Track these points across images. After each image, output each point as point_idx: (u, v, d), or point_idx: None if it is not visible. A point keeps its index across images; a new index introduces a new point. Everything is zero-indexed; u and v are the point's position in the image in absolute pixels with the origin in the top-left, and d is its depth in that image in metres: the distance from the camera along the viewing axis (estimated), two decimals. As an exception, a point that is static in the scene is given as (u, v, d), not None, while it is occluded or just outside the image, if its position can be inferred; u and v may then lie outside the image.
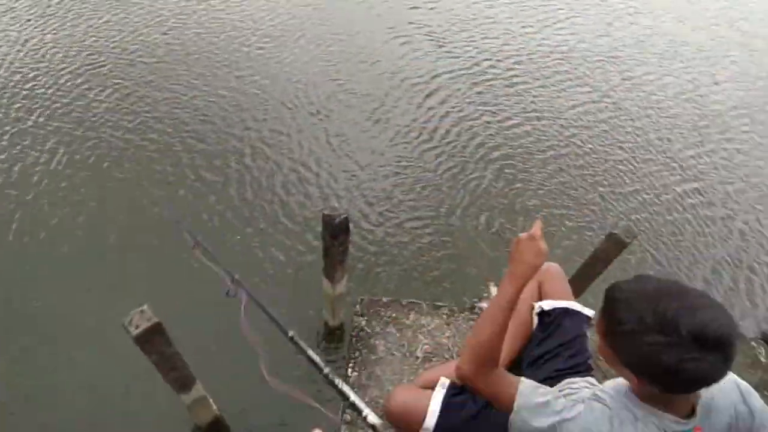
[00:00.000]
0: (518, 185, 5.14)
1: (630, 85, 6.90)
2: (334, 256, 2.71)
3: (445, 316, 2.90)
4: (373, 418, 0.96)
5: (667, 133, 6.14)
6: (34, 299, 3.73)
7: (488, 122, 5.91)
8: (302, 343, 1.53)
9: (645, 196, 5.24)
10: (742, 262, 4.63)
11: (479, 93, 6.36)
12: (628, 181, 5.38)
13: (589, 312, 1.75)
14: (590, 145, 5.79)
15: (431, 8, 8.12)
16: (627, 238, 2.51)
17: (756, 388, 2.52)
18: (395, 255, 4.24)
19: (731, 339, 0.86)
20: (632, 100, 6.64)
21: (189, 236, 2.37)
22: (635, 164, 5.63)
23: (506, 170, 5.30)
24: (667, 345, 0.86)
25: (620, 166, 5.56)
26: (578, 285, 2.69)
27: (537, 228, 1.25)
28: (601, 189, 5.24)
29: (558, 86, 6.67)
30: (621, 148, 5.82)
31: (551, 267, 1.91)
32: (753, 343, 2.72)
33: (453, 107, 6.07)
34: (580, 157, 5.61)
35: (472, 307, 3.01)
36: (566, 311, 1.72)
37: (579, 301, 1.83)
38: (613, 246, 2.53)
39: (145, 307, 1.99)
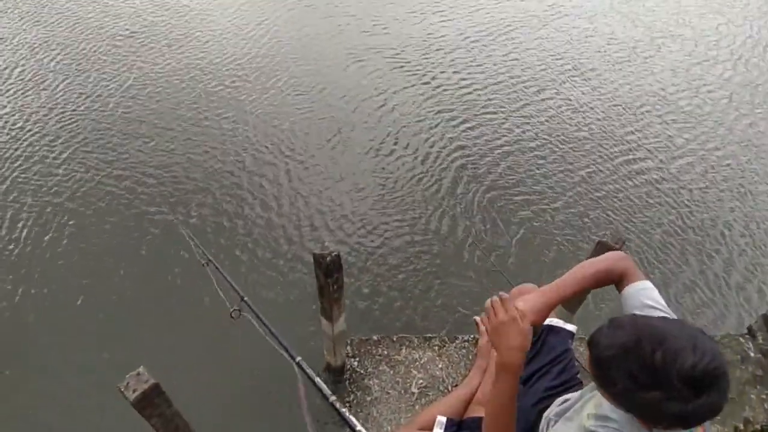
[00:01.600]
0: (501, 203, 5.22)
1: (581, 84, 7.28)
2: (329, 295, 2.62)
3: (436, 348, 2.86)
4: None
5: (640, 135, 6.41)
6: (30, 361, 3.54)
7: (465, 146, 6.00)
8: (309, 371, 1.51)
9: (626, 199, 5.42)
10: (725, 258, 4.85)
11: (456, 117, 6.45)
12: (609, 187, 5.56)
13: (571, 327, 1.75)
14: (565, 155, 5.96)
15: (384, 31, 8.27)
16: (616, 244, 2.53)
17: (746, 383, 2.55)
18: (384, 289, 4.19)
19: (720, 370, 0.87)
20: (594, 105, 6.93)
21: (201, 253, 2.36)
22: (609, 168, 5.83)
23: (492, 190, 5.36)
24: (665, 399, 0.86)
25: (598, 173, 5.73)
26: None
27: (508, 303, 1.14)
28: (585, 197, 5.39)
29: (528, 101, 6.91)
30: (592, 153, 6.04)
31: (526, 287, 1.88)
32: (741, 339, 2.71)
33: (429, 137, 6.10)
34: (556, 168, 5.76)
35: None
36: (550, 328, 1.71)
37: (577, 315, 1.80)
38: (603, 253, 2.52)
39: (140, 369, 1.87)
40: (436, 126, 6.19)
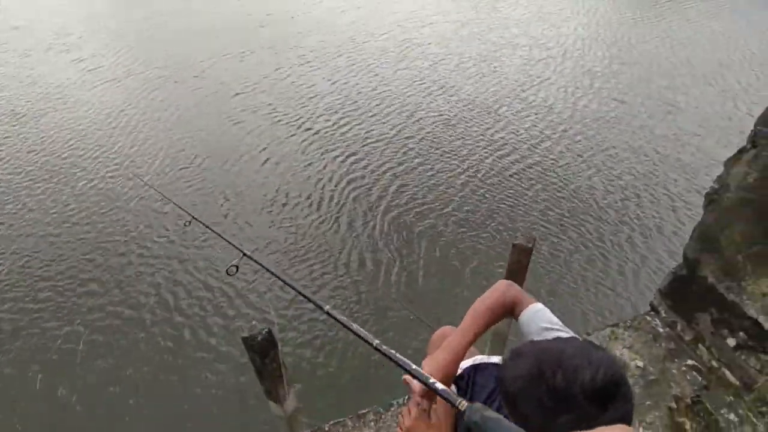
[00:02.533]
0: (402, 221, 5.35)
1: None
2: (270, 374, 2.45)
3: (372, 424, 2.61)
4: (439, 385, 0.92)
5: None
6: None
7: (355, 178, 6.10)
8: (342, 318, 1.31)
9: (513, 192, 5.85)
10: (623, 240, 5.25)
11: (341, 154, 6.60)
12: (494, 183, 6.00)
13: (496, 359, 1.66)
14: (448, 164, 6.35)
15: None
16: (528, 243, 2.72)
17: (664, 359, 2.49)
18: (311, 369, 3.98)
19: (616, 376, 0.88)
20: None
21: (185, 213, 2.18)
22: (489, 167, 6.32)
23: (390, 212, 5.48)
24: (577, 419, 0.85)
25: (481, 174, 6.17)
26: None
27: (410, 410, 1.22)
28: (476, 198, 5.72)
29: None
30: (471, 157, 6.51)
31: (444, 330, 1.81)
32: (647, 318, 2.71)
33: (320, 179, 6.13)
34: (443, 178, 6.10)
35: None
36: (476, 368, 1.64)
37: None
38: (520, 254, 2.71)
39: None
40: (324, 167, 6.26)
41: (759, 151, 2.13)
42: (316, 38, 10.72)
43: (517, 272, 2.74)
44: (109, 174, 6.24)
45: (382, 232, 5.26)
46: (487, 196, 5.81)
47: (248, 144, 6.82)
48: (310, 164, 6.38)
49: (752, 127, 2.19)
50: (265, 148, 6.71)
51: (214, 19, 12.19)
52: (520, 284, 2.80)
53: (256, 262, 1.69)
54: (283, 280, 1.58)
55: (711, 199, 2.35)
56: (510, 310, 1.30)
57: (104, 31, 11.65)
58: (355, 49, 10.11)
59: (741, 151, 2.22)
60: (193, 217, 2.18)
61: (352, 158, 6.49)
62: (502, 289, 1.32)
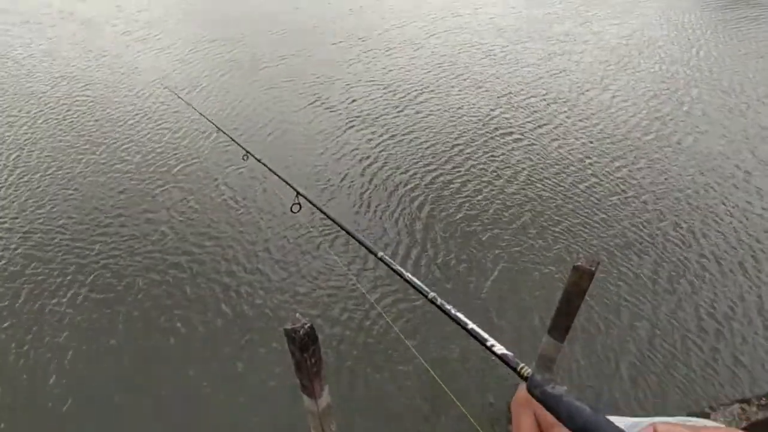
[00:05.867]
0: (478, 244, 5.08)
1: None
2: (308, 370, 2.45)
3: None
4: (499, 347, 0.71)
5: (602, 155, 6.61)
6: None
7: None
8: (395, 265, 1.23)
9: (596, 223, 5.36)
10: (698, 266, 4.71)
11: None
12: (582, 212, 5.55)
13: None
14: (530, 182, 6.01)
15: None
16: (592, 267, 2.51)
17: None
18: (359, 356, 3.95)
19: None
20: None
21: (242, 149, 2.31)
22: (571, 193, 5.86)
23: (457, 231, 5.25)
24: None
25: (560, 197, 5.74)
26: (561, 323, 2.66)
27: None
28: (557, 223, 5.33)
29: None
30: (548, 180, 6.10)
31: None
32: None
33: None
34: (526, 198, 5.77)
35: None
36: None
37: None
38: (581, 277, 2.51)
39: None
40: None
41: None
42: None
43: (571, 299, 2.54)
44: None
45: (447, 245, 5.02)
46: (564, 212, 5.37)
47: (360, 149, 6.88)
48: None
49: None
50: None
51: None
52: (574, 313, 2.61)
53: (311, 202, 1.74)
54: (338, 224, 1.55)
55: None
56: None
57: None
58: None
59: None
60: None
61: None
62: None
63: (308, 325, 2.33)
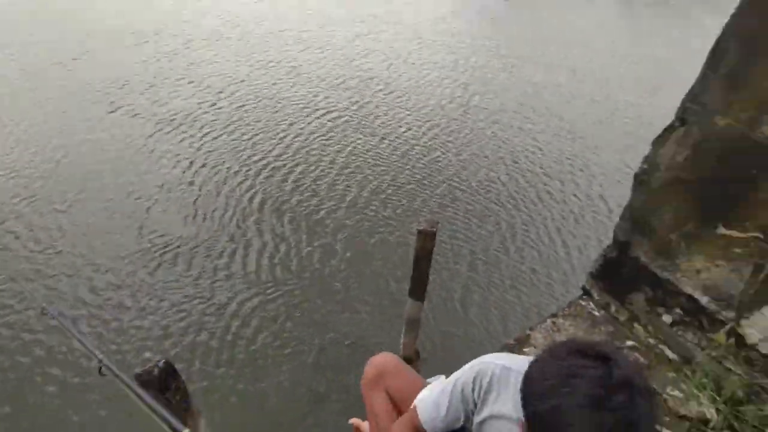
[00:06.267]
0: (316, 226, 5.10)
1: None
2: (176, 410, 2.12)
3: None
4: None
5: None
6: None
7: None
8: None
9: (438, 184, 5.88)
10: (548, 226, 5.38)
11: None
12: (413, 177, 6.01)
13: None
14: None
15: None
16: (433, 228, 2.70)
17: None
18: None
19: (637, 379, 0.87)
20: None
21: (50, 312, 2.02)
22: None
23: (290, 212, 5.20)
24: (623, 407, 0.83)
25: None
26: (418, 285, 2.84)
27: None
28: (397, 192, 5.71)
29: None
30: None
31: (386, 362, 1.61)
32: (581, 302, 2.68)
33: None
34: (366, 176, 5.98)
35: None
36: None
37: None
38: (425, 239, 2.68)
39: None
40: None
41: (688, 129, 2.04)
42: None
43: (422, 262, 2.71)
44: None
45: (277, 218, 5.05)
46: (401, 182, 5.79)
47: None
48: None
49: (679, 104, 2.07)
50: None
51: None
52: (427, 275, 2.82)
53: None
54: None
55: (640, 181, 2.29)
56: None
57: None
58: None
59: (668, 130, 2.12)
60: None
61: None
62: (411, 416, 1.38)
63: (163, 361, 2.05)
